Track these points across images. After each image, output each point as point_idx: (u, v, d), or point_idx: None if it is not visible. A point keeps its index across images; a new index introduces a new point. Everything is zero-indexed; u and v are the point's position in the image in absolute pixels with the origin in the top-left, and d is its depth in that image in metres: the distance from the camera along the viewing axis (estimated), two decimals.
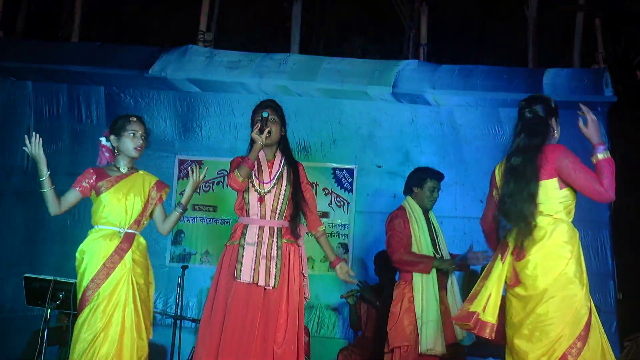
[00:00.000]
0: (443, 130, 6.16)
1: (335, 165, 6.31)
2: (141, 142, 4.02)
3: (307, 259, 4.26)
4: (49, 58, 6.15)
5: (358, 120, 6.26)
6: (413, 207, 4.89)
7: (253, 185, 3.91)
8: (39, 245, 6.16)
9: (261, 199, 3.89)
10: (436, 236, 4.89)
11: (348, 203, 6.31)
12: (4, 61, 6.13)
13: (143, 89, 6.30)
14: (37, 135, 3.84)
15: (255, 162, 3.92)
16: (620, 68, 5.66)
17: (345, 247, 6.26)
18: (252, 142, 3.88)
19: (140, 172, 4.11)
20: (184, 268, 5.89)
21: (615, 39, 6.50)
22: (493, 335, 3.42)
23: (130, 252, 3.89)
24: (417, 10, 7.47)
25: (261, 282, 3.79)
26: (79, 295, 3.86)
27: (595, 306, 5.41)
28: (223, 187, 6.34)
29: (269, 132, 3.86)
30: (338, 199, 6.30)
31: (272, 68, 6.00)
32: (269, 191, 3.91)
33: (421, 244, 4.76)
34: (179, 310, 5.72)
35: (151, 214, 4.09)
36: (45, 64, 6.11)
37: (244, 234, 3.87)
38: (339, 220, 6.29)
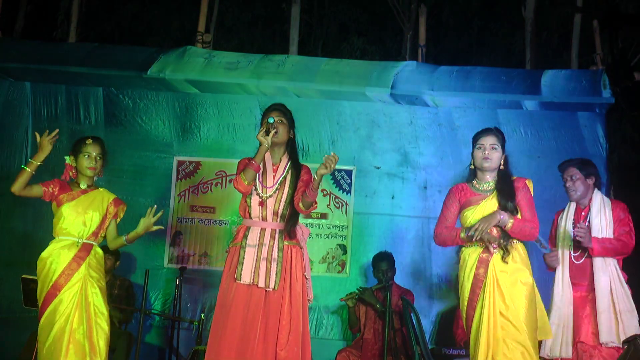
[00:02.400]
0: (441, 131, 6.16)
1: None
2: (94, 163, 4.31)
3: None
4: (47, 59, 6.15)
5: (356, 122, 6.26)
6: None
7: (255, 189, 3.91)
8: (37, 247, 6.13)
9: (262, 203, 3.89)
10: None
11: (346, 204, 6.31)
12: (2, 62, 6.12)
13: (141, 90, 6.29)
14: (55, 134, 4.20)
15: (261, 165, 3.91)
16: (618, 69, 5.67)
17: (343, 248, 6.26)
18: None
19: (100, 189, 4.42)
20: (182, 269, 5.89)
21: (613, 40, 6.50)
22: None
23: (87, 260, 4.21)
24: (414, 11, 7.49)
25: (261, 284, 3.80)
26: (40, 301, 4.17)
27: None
28: (221, 188, 6.34)
29: (276, 132, 3.86)
30: (336, 200, 6.30)
31: (271, 69, 6.00)
32: (271, 195, 3.91)
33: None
34: (177, 312, 5.72)
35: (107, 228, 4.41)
36: (44, 64, 6.10)
37: (245, 236, 3.88)
38: (337, 222, 6.29)
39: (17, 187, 4.16)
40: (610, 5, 7.38)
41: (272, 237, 3.87)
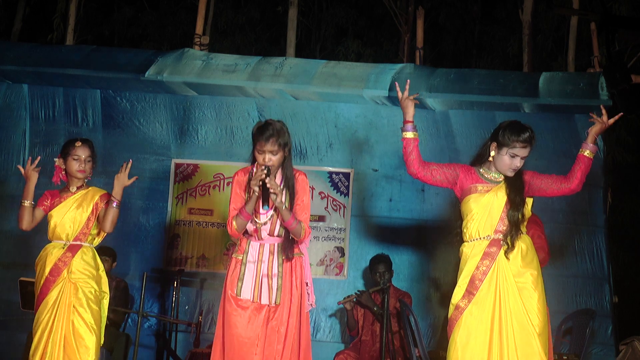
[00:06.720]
0: (439, 133, 6.17)
1: (331, 169, 6.31)
2: (84, 165, 4.26)
3: None
4: (45, 61, 6.15)
5: (354, 124, 6.27)
6: None
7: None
8: (34, 249, 6.13)
9: (256, 230, 3.83)
10: None
11: (344, 207, 6.31)
12: None
13: (139, 92, 6.30)
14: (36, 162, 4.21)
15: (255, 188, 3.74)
16: (615, 72, 5.69)
17: (341, 250, 6.26)
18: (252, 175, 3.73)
19: (90, 188, 4.35)
20: (180, 272, 5.89)
21: (610, 43, 6.53)
22: None
23: (71, 262, 4.18)
24: (411, 14, 7.50)
25: (264, 301, 3.74)
26: (35, 304, 4.21)
27: (591, 310, 5.46)
28: (219, 191, 6.34)
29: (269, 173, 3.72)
30: (334, 203, 6.30)
31: (269, 72, 6.01)
32: (265, 222, 3.82)
33: None
34: (174, 314, 5.72)
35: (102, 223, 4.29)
36: (41, 67, 6.10)
37: (246, 252, 3.83)
38: (335, 224, 6.29)
39: (25, 225, 4.20)
40: (606, 7, 7.40)
41: (272, 252, 3.81)
